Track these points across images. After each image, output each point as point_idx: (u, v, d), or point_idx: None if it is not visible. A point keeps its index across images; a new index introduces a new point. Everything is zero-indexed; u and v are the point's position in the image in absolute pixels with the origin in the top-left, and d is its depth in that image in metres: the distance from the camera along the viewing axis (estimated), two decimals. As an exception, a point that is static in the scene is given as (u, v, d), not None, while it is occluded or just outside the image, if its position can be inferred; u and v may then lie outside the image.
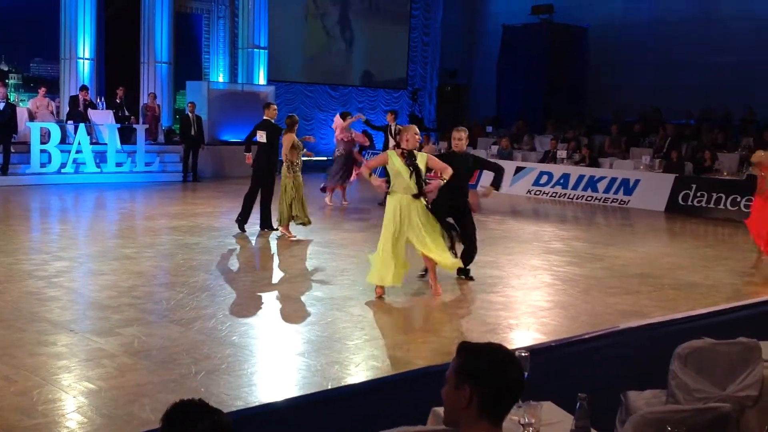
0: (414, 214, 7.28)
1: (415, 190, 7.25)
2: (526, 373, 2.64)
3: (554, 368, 4.39)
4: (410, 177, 7.20)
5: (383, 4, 25.96)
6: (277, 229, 10.87)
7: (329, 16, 24.93)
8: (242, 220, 11.02)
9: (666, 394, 3.80)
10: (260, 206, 11.00)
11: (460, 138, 8.29)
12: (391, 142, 13.91)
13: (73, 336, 6.00)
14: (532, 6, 24.62)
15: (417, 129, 7.51)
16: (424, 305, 7.50)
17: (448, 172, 7.51)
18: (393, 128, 14.69)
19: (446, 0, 27.45)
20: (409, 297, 7.68)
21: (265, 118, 11.08)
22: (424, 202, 7.33)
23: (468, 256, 8.34)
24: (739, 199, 14.72)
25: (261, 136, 10.95)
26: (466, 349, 2.46)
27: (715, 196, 15.25)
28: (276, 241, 10.57)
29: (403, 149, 7.31)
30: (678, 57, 22.50)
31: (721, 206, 15.02)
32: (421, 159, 7.30)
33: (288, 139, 10.49)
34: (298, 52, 24.13)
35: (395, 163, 7.25)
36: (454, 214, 8.24)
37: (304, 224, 10.66)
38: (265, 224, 11.02)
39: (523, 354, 3.11)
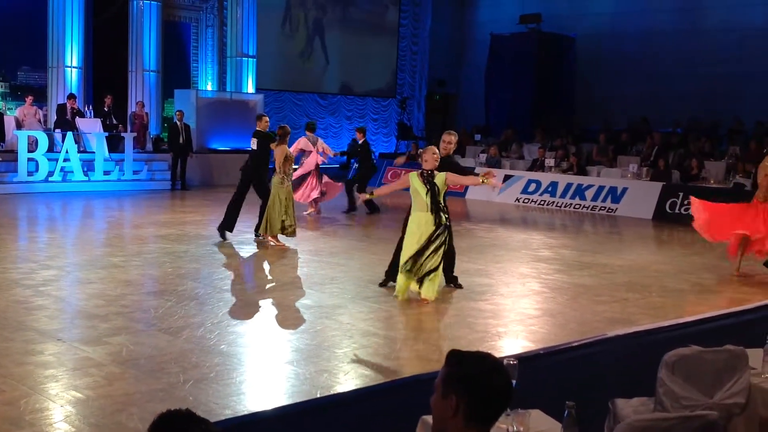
0: (430, 234, 7.42)
1: (429, 207, 7.39)
2: (514, 381, 2.64)
3: (542, 376, 4.40)
4: (426, 194, 7.37)
5: (371, 13, 26.01)
6: (261, 237, 10.85)
7: (317, 25, 24.95)
8: (226, 226, 10.99)
9: (654, 402, 3.81)
10: (260, 211, 10.92)
11: (449, 141, 8.26)
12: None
13: (60, 345, 5.97)
14: (521, 15, 24.72)
15: (436, 149, 7.57)
16: (413, 313, 7.50)
17: (474, 179, 7.81)
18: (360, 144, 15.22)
19: (435, 10, 27.53)
20: (397, 305, 7.67)
21: (257, 129, 11.20)
22: (444, 218, 7.42)
23: (448, 263, 8.26)
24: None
25: (252, 143, 11.18)
26: (455, 357, 2.47)
27: (702, 204, 15.31)
28: (264, 250, 10.55)
29: (422, 170, 7.44)
30: (665, 67, 22.63)
31: (709, 214, 15.07)
32: (440, 177, 7.38)
33: (281, 151, 10.51)
34: (285, 61, 24.13)
35: (414, 183, 7.46)
36: None
37: (290, 235, 10.67)
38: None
39: (511, 362, 3.12)
